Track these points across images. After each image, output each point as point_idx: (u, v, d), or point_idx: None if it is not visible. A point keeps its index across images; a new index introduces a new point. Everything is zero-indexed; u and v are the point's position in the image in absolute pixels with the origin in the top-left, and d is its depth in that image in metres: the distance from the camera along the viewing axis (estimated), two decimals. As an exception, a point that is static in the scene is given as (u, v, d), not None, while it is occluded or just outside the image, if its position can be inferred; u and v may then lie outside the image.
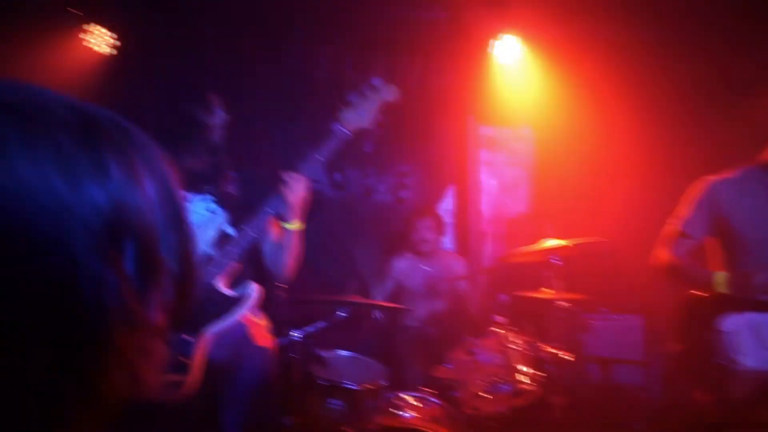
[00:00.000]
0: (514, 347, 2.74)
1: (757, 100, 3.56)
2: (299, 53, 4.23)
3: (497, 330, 2.82)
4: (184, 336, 2.14)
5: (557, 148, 4.27)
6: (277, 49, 4.17)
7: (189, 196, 2.34)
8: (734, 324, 2.17)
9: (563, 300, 3.01)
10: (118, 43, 3.91)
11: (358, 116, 2.30)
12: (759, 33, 3.60)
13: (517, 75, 4.28)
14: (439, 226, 3.85)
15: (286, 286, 2.48)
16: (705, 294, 2.30)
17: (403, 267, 3.82)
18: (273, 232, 2.35)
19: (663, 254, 2.44)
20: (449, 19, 4.11)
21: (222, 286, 2.23)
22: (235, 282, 2.28)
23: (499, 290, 3.05)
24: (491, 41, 4.19)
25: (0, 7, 3.25)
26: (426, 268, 3.80)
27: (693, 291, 2.36)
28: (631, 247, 4.11)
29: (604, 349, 3.78)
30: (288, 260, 2.35)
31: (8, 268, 0.38)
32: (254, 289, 2.25)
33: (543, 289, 3.05)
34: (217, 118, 2.36)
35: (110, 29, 3.88)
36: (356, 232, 4.21)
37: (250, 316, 2.33)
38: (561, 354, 2.88)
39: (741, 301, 2.20)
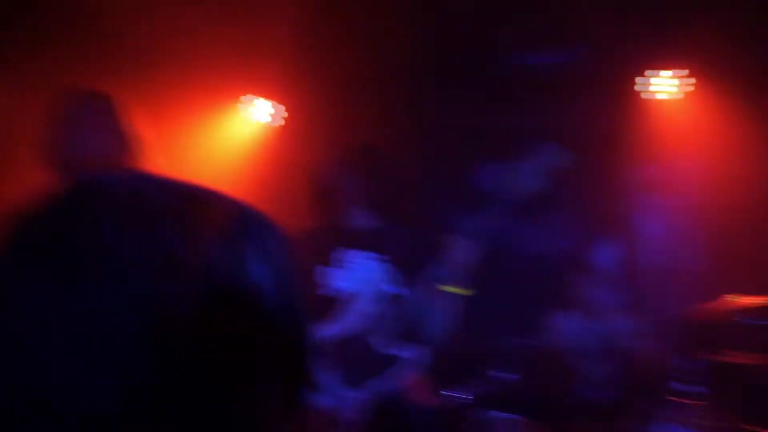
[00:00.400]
0: (704, 424, 2.45)
1: None
2: (453, 108, 4.27)
3: (681, 401, 2.55)
4: (345, 393, 2.16)
5: (734, 190, 3.88)
6: (419, 101, 4.24)
7: (353, 252, 2.37)
8: None
9: (759, 364, 2.66)
10: (276, 114, 4.16)
11: (527, 181, 2.31)
12: None
13: (677, 112, 4.01)
14: (605, 281, 3.61)
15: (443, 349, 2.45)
16: None
17: (567, 326, 3.61)
18: (434, 294, 2.33)
19: None
20: (594, 59, 3.95)
21: (383, 345, 2.24)
22: (396, 341, 2.27)
23: (682, 353, 2.77)
24: (644, 78, 3.96)
25: (170, 87, 3.57)
26: (593, 326, 3.56)
27: None
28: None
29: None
30: (444, 324, 2.33)
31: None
32: (416, 350, 2.24)
33: (733, 352, 2.72)
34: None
35: (273, 100, 4.13)
36: (513, 285, 4.08)
37: (411, 376, 2.32)
38: (752, 428, 2.54)
39: None
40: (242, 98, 4.09)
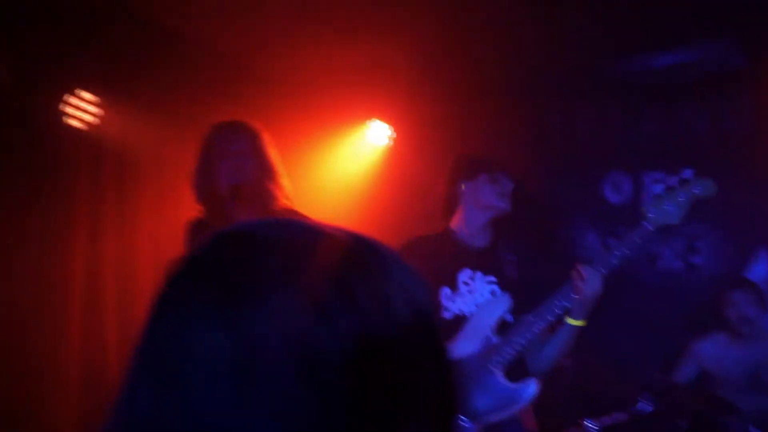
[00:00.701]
0: None
1: None
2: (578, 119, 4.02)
3: None
4: (461, 421, 2.07)
5: None
6: (543, 113, 4.01)
7: (473, 274, 2.29)
8: None
9: None
10: (394, 135, 4.13)
11: (667, 212, 2.10)
12: None
13: None
14: (760, 300, 3.19)
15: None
16: None
17: (712, 350, 3.21)
18: (553, 325, 2.21)
19: None
20: (744, 54, 3.57)
21: (501, 376, 2.14)
22: (513, 372, 2.16)
23: None
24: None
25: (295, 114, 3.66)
26: (744, 351, 3.14)
27: None
28: None
29: None
30: (558, 355, 2.22)
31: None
32: (535, 383, 2.13)
33: None
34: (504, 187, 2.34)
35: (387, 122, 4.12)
36: (641, 306, 3.71)
37: (528, 410, 2.23)
38: None
39: None
40: (366, 122, 4.11)
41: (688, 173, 2.25)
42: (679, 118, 3.80)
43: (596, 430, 2.57)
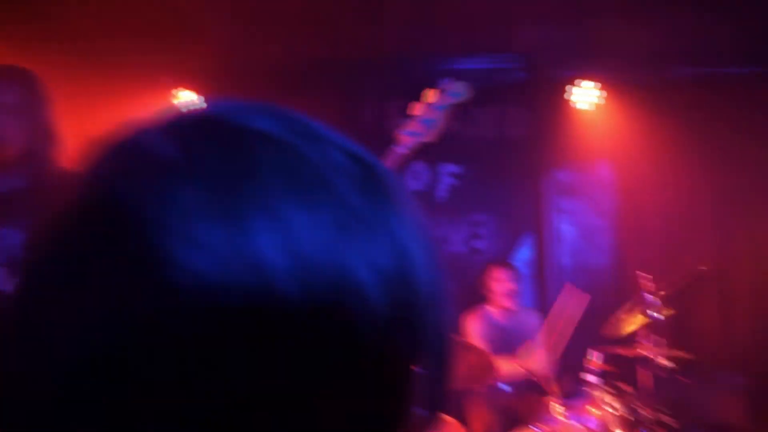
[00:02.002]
0: (610, 410, 2.49)
1: None
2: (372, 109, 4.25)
3: (589, 391, 2.59)
4: None
5: (641, 192, 4.06)
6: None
7: None
8: None
9: (662, 357, 2.75)
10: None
11: (421, 129, 1.97)
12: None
13: (596, 120, 4.21)
14: (517, 278, 3.65)
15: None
16: None
17: (475, 323, 3.62)
18: None
19: None
20: (524, 67, 4.07)
21: None
22: None
23: (589, 347, 2.82)
24: (569, 87, 4.17)
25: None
26: (500, 323, 3.58)
27: None
28: (731, 293, 3.82)
29: (706, 412, 3.44)
30: None
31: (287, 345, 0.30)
32: None
33: (639, 345, 2.80)
34: None
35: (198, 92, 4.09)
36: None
37: None
38: (661, 418, 2.62)
39: None
40: (173, 91, 4.07)
41: (444, 81, 1.98)
42: (470, 119, 4.21)
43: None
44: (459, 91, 2.01)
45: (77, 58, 3.38)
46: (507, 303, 3.55)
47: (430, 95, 1.99)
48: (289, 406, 0.31)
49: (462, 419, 2.92)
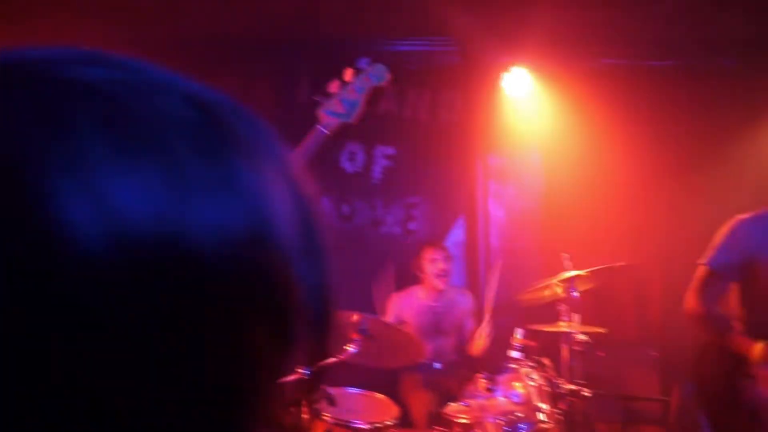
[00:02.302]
0: (532, 384, 2.63)
1: None
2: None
3: (514, 366, 2.72)
4: None
5: (568, 178, 4.23)
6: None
7: None
8: None
9: (580, 333, 2.91)
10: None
11: (343, 109, 1.93)
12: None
13: (527, 107, 4.33)
14: (449, 259, 3.75)
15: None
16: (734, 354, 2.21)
17: (407, 303, 3.71)
18: None
19: (694, 301, 2.35)
20: (459, 52, 4.14)
21: None
22: None
23: (514, 325, 2.95)
24: (501, 74, 4.25)
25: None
26: (431, 303, 3.69)
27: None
28: (646, 276, 4.05)
29: (622, 383, 3.67)
30: None
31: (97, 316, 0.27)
32: None
33: (560, 322, 2.95)
34: None
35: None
36: (363, 264, 4.12)
37: None
38: (579, 390, 2.78)
39: None
40: None
41: (363, 62, 1.94)
42: (405, 101, 4.26)
43: (306, 375, 2.75)
44: (378, 73, 1.98)
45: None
46: (439, 283, 3.65)
47: (348, 74, 1.96)
48: (135, 375, 0.28)
49: (395, 397, 3.00)
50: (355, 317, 2.78)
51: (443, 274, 3.66)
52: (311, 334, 0.35)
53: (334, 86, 1.95)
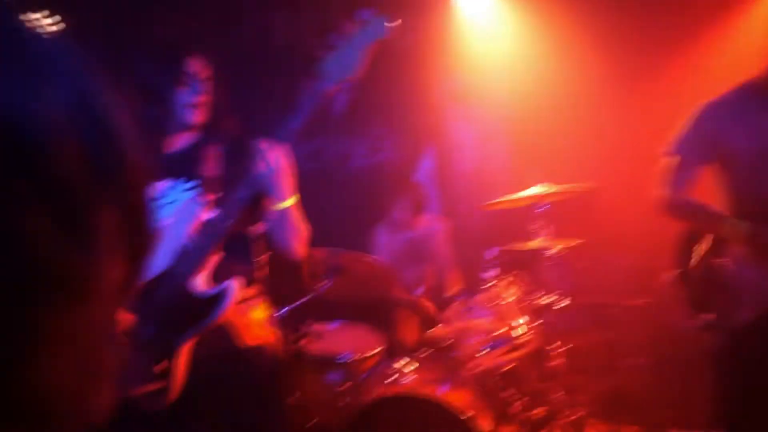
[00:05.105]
0: (509, 300, 2.67)
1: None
2: (254, 19, 4.06)
3: (490, 285, 2.75)
4: (163, 341, 1.82)
5: (534, 95, 4.18)
6: (231, 15, 4.00)
7: (165, 182, 1.97)
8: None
9: (554, 247, 2.94)
10: None
11: (342, 64, 1.82)
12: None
13: (487, 25, 4.22)
14: (420, 200, 3.71)
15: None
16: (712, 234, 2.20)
17: (384, 237, 3.70)
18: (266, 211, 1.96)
19: (662, 192, 2.29)
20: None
21: (199, 285, 1.85)
22: (218, 275, 1.89)
23: (488, 244, 2.97)
24: None
25: None
26: (407, 233, 3.69)
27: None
28: (617, 188, 4.08)
29: (598, 293, 3.76)
30: (290, 239, 1.95)
31: None
32: (234, 285, 1.85)
33: (532, 238, 2.97)
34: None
35: None
36: (334, 201, 4.08)
37: (236, 312, 1.91)
38: (556, 302, 2.83)
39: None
40: None
41: (365, 14, 1.84)
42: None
43: (285, 313, 2.75)
44: (380, 26, 1.84)
45: None
46: (412, 213, 3.64)
47: (348, 28, 1.83)
48: None
49: (379, 326, 3.04)
50: (323, 253, 2.76)
51: (416, 205, 3.65)
52: (125, 230, 0.35)
53: (334, 39, 1.84)
